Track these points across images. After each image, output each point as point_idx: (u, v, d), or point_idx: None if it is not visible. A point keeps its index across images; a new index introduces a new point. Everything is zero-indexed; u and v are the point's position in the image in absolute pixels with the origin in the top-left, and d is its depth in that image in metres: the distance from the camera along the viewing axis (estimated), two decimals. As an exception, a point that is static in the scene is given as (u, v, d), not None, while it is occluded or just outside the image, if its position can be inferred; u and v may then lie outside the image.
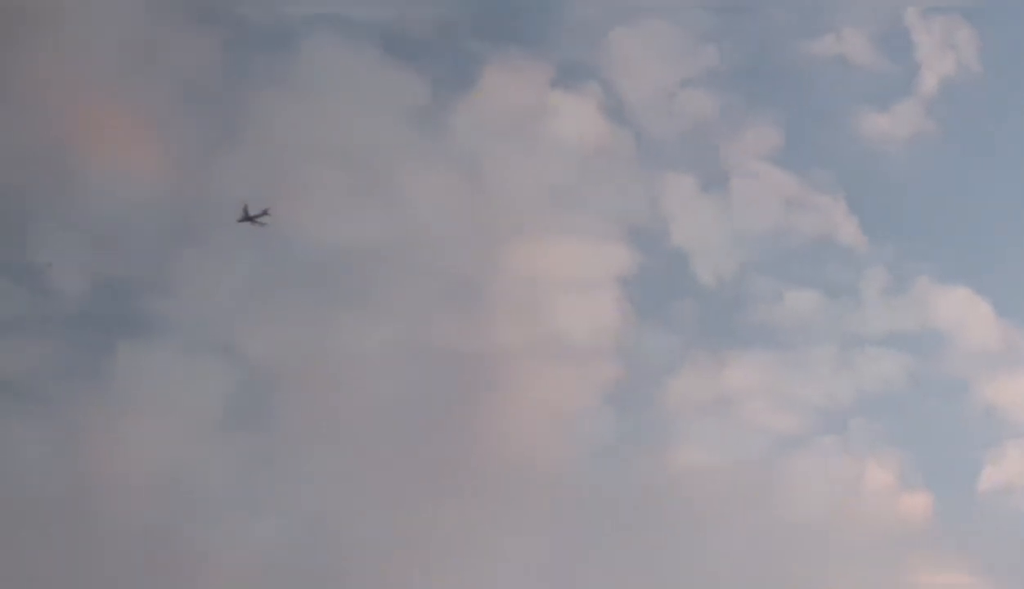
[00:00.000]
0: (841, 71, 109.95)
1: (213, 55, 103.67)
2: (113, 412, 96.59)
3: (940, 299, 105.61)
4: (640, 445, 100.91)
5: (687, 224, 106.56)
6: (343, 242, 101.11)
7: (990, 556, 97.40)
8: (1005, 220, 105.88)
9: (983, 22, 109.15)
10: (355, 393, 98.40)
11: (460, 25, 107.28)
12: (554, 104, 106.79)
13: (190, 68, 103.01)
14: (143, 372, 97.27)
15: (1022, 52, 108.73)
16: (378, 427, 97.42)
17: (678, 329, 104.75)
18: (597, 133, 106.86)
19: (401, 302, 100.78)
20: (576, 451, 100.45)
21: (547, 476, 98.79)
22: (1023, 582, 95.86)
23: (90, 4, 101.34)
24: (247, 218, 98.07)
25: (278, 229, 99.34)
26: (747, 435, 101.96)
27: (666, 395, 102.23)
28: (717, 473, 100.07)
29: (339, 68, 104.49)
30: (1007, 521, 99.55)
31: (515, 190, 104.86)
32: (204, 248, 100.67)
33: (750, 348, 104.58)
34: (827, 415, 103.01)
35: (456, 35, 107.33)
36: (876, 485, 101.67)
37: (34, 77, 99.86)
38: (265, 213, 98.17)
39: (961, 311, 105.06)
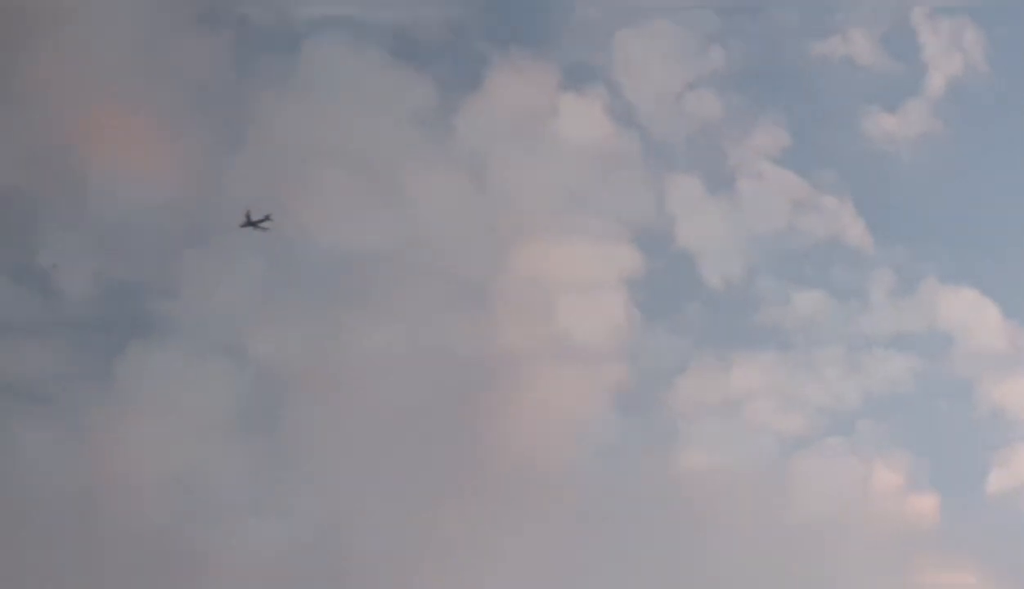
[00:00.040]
0: (848, 72, 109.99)
1: (220, 57, 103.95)
2: (120, 414, 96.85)
3: (947, 300, 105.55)
4: (648, 446, 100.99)
5: (694, 226, 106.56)
6: (350, 244, 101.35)
7: (997, 558, 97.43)
8: (1013, 221, 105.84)
9: (990, 22, 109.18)
10: (362, 395, 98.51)
11: (467, 27, 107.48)
12: (561, 106, 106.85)
13: (197, 70, 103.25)
14: (150, 374, 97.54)
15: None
16: (385, 429, 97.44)
17: (685, 331, 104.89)
18: (604, 135, 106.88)
19: (408, 304, 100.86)
20: (583, 453, 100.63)
21: (555, 478, 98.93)
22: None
23: (96, 6, 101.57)
24: (250, 223, 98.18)
25: (285, 231, 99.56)
26: (754, 436, 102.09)
27: (673, 396, 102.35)
28: (724, 474, 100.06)
29: (346, 70, 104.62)
30: (1014, 523, 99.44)
31: (522, 192, 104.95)
32: (211, 250, 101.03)
33: (757, 349, 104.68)
34: (834, 416, 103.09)
35: (463, 37, 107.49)
36: (883, 486, 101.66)
37: (40, 80, 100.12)
38: (267, 218, 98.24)
39: (968, 312, 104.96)
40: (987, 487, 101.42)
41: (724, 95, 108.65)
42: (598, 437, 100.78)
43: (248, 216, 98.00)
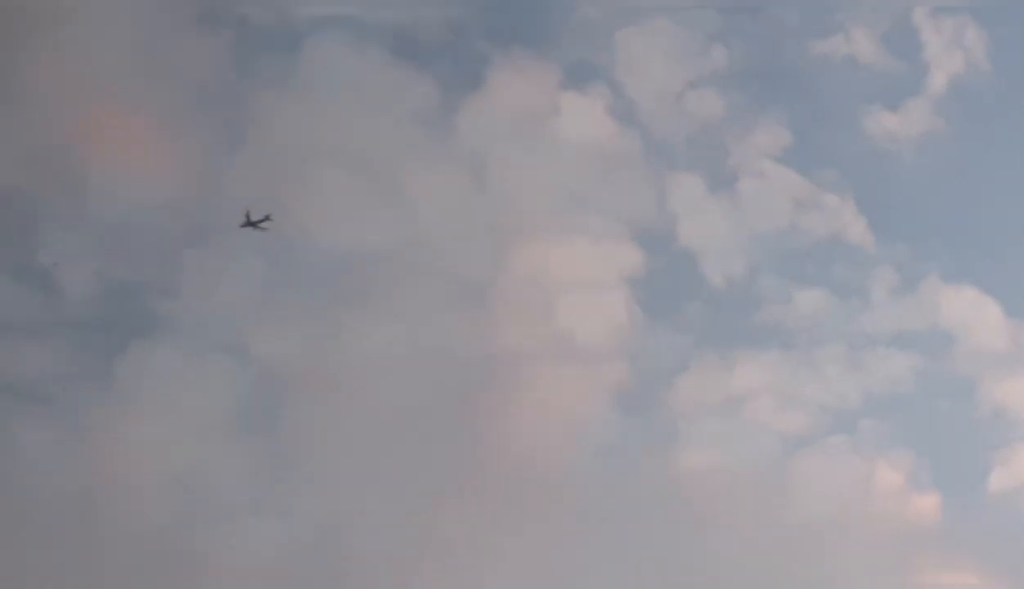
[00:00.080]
0: (849, 71, 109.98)
1: (220, 57, 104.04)
2: (120, 414, 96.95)
3: (949, 299, 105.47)
4: (648, 446, 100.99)
5: (695, 224, 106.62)
6: (350, 244, 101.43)
7: (999, 557, 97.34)
8: (1014, 220, 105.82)
9: (991, 21, 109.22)
10: (362, 395, 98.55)
11: (468, 27, 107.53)
12: (562, 105, 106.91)
13: (197, 70, 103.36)
14: (150, 374, 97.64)
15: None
16: (385, 429, 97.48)
17: (687, 330, 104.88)
18: (605, 134, 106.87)
19: (408, 304, 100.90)
20: (583, 453, 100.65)
21: (555, 478, 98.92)
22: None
23: (96, 6, 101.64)
24: (249, 223, 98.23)
25: (285, 231, 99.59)
26: (756, 435, 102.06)
27: (674, 396, 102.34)
28: (725, 474, 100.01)
29: (346, 70, 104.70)
30: (1016, 522, 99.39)
31: (523, 192, 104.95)
32: (211, 250, 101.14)
33: (758, 348, 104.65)
34: (835, 416, 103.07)
35: (463, 37, 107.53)
36: (885, 485, 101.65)
37: (40, 80, 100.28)
38: (267, 218, 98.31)
39: (970, 311, 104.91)
40: (989, 486, 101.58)
41: (725, 94, 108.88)
42: (598, 437, 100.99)
43: (248, 216, 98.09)
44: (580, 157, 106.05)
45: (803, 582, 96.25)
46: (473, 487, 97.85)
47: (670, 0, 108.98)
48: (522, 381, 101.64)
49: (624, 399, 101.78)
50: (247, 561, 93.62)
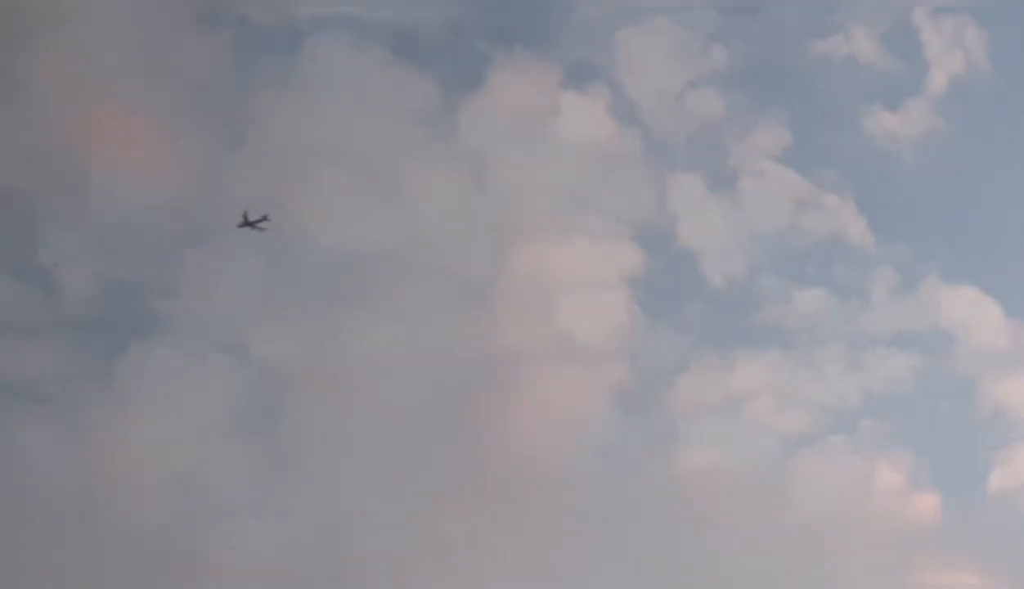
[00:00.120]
0: (849, 71, 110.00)
1: (220, 57, 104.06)
2: (120, 414, 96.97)
3: (949, 299, 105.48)
4: (648, 446, 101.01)
5: (695, 224, 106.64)
6: (350, 244, 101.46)
7: (999, 557, 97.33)
8: (1014, 220, 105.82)
9: (991, 21, 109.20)
10: (362, 395, 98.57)
11: (468, 26, 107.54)
12: (562, 105, 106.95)
13: (197, 70, 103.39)
14: (150, 374, 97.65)
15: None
16: (385, 429, 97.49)
17: (687, 329, 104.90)
18: (605, 134, 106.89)
19: (408, 304, 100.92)
20: (583, 453, 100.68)
21: (555, 478, 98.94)
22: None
23: (96, 6, 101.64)
24: (247, 223, 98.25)
25: (285, 231, 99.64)
26: (756, 435, 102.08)
27: (674, 396, 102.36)
28: (725, 474, 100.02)
29: (346, 70, 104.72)
30: (1016, 522, 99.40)
31: (523, 191, 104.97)
32: (211, 250, 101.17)
33: (758, 348, 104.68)
34: (836, 415, 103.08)
35: (464, 36, 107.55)
36: (885, 485, 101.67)
37: (40, 80, 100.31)
38: (265, 219, 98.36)
39: (970, 311, 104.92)
40: (989, 486, 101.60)
41: (725, 94, 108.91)
42: (598, 437, 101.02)
43: (245, 216, 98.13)
44: (580, 157, 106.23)
45: (803, 582, 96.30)
46: (473, 487, 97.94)
47: (670, 0, 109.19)
48: (522, 381, 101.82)
49: (624, 399, 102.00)
50: (247, 561, 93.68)
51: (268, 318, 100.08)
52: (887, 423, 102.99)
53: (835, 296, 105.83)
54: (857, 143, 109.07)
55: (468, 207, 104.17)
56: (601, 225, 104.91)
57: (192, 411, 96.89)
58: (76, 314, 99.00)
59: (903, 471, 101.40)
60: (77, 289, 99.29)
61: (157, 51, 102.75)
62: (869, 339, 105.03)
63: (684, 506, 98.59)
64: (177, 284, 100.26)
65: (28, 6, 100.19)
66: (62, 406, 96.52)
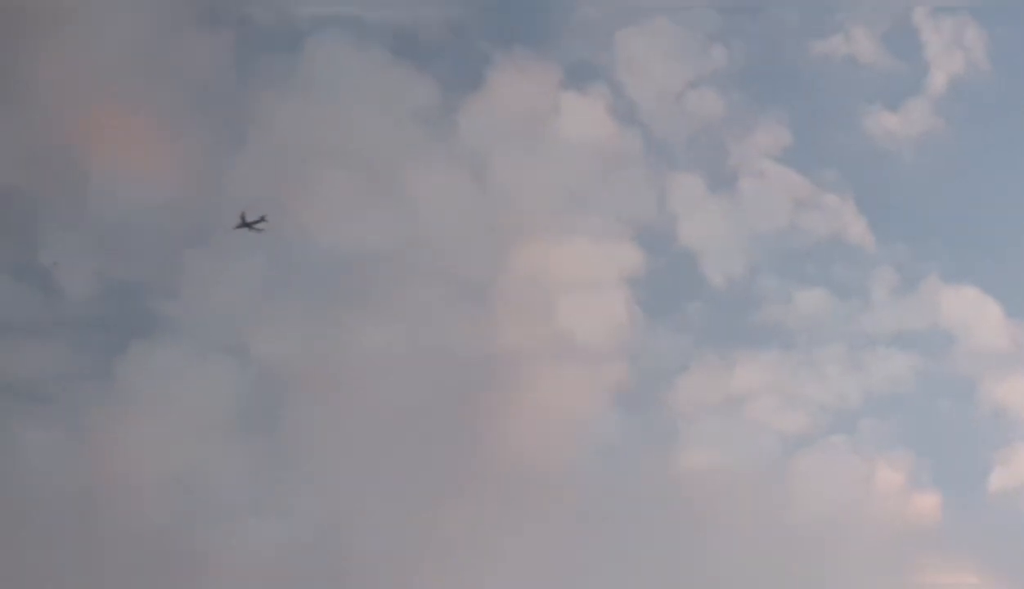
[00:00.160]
0: (849, 70, 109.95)
1: (220, 57, 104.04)
2: (120, 414, 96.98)
3: (949, 299, 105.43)
4: (648, 446, 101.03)
5: (695, 224, 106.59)
6: (350, 244, 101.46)
7: (999, 557, 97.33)
8: (1014, 220, 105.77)
9: (991, 21, 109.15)
10: (362, 395, 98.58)
11: (468, 26, 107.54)
12: (562, 105, 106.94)
13: (197, 70, 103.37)
14: (150, 374, 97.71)
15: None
16: (385, 429, 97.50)
17: (687, 329, 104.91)
18: (605, 134, 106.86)
19: (408, 304, 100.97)
20: (583, 453, 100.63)
21: (555, 478, 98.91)
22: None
23: (96, 6, 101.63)
24: (244, 224, 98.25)
25: (285, 231, 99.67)
26: (755, 436, 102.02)
27: (674, 396, 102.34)
28: (725, 474, 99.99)
29: (347, 69, 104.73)
30: (1016, 522, 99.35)
31: (523, 191, 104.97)
32: (211, 250, 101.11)
33: (758, 348, 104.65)
34: (836, 415, 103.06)
35: (464, 36, 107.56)
36: (885, 485, 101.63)
37: (40, 80, 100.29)
38: (262, 220, 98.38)
39: (970, 311, 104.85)
40: (989, 486, 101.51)
41: (725, 94, 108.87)
42: (598, 437, 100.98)
43: (243, 217, 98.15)
44: (580, 157, 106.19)
45: (803, 582, 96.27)
46: (473, 487, 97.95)
47: (670, 0, 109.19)
48: (522, 381, 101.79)
49: (624, 399, 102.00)
50: (247, 561, 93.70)
51: (268, 318, 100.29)
52: (887, 423, 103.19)
53: (835, 296, 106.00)
54: (857, 143, 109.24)
55: (468, 207, 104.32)
56: (601, 225, 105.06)
57: (192, 411, 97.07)
58: (76, 314, 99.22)
59: (903, 471, 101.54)
60: (77, 289, 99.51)
61: (157, 51, 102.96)
62: (869, 339, 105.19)
63: (684, 506, 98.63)
64: (177, 284, 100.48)
65: (28, 6, 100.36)
66: (62, 406, 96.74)
